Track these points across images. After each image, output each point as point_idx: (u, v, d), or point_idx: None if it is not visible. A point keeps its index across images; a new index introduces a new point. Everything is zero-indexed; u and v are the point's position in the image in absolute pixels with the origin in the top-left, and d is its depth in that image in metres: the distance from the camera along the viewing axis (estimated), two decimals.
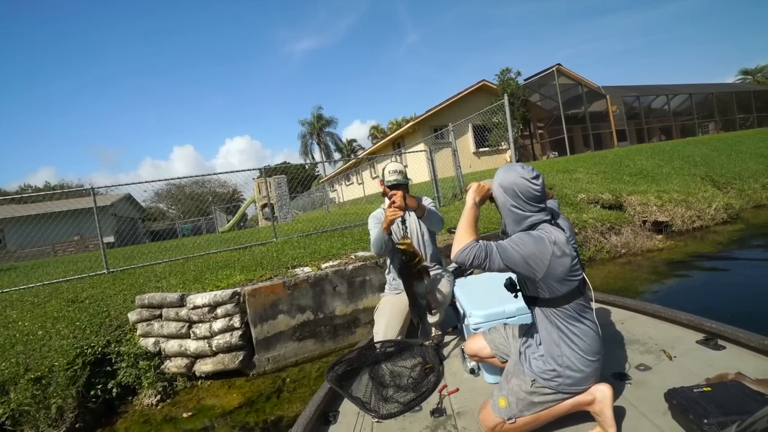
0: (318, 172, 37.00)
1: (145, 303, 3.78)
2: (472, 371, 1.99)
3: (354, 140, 42.33)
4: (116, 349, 3.51)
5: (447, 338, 2.46)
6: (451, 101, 16.11)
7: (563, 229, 1.40)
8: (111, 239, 18.96)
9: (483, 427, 1.50)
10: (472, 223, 1.44)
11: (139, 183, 6.05)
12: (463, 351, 2.00)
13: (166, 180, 6.15)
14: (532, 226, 1.40)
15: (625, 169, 9.15)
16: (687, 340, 1.88)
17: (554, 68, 18.40)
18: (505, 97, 6.06)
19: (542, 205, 1.43)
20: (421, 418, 1.71)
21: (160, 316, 3.77)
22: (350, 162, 22.28)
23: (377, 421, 1.74)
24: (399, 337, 2.29)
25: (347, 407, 1.91)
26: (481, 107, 8.63)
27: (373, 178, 18.05)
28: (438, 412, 1.72)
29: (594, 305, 1.46)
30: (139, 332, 3.70)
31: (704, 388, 1.34)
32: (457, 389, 1.88)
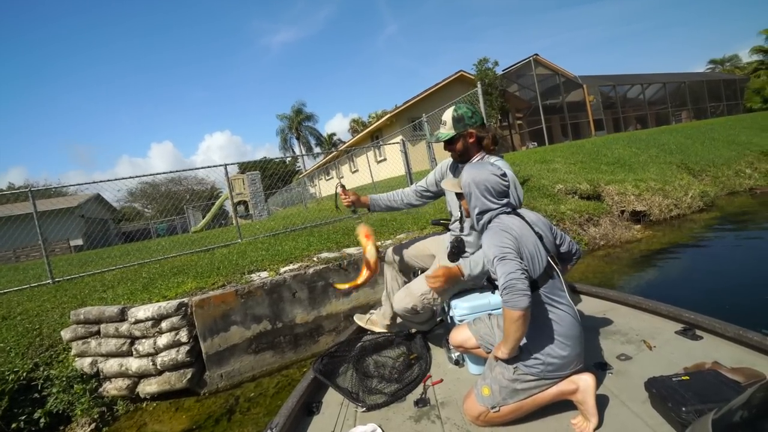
0: (299, 167, 36.32)
1: (80, 318, 3.38)
2: (457, 362, 1.98)
3: (334, 134, 41.72)
4: (45, 372, 3.11)
5: (432, 329, 2.40)
6: (428, 92, 15.85)
7: (521, 217, 1.53)
8: (79, 242, 18.06)
9: (467, 416, 1.51)
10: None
11: (85, 183, 5.54)
12: (447, 342, 1.96)
13: (123, 179, 5.64)
14: (492, 218, 1.53)
15: (603, 158, 9.06)
16: (666, 330, 1.93)
17: (531, 58, 18.30)
18: (478, 86, 5.80)
19: (507, 199, 1.58)
20: (404, 408, 1.71)
21: (99, 332, 3.38)
22: (329, 156, 21.76)
23: (364, 411, 1.74)
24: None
25: (330, 398, 1.90)
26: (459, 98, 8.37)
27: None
28: (422, 402, 1.72)
29: (566, 288, 1.48)
30: (73, 352, 3.31)
31: (682, 377, 1.38)
32: (442, 380, 1.88)
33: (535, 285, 1.40)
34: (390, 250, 2.38)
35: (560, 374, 1.40)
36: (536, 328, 1.42)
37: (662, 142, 10.85)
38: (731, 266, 4.47)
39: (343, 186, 2.29)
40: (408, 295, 2.01)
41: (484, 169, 1.58)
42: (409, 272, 2.37)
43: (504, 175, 1.57)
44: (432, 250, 2.26)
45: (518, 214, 1.54)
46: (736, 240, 5.48)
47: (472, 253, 1.97)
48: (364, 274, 2.17)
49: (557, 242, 1.62)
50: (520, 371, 1.41)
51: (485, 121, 2.03)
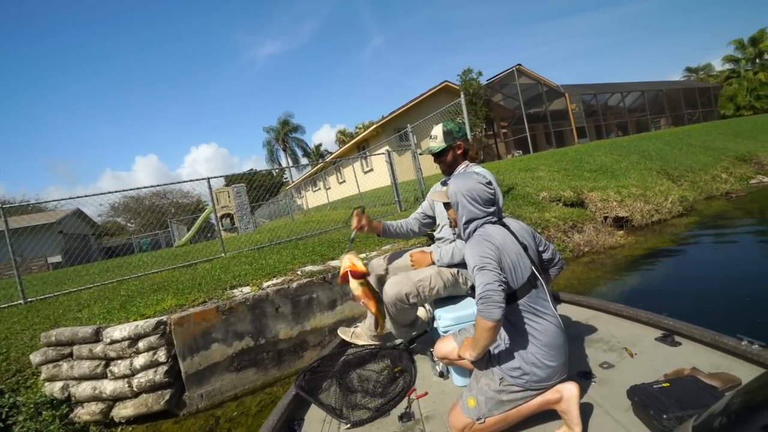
0: (286, 178, 36.11)
1: (52, 341, 3.23)
2: (442, 374, 1.95)
3: (320, 145, 41.70)
4: (11, 399, 2.95)
5: (416, 341, 2.37)
6: (414, 103, 15.99)
7: (506, 226, 1.53)
8: (58, 259, 17.53)
9: (452, 428, 1.48)
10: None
11: (63, 199, 5.39)
12: (432, 354, 1.95)
13: (102, 194, 5.48)
14: (477, 227, 1.54)
15: (586, 166, 9.20)
16: (647, 337, 1.95)
17: (515, 68, 18.67)
18: (462, 96, 5.85)
19: (495, 208, 1.59)
20: (389, 424, 1.68)
21: (71, 354, 3.24)
22: (316, 167, 21.68)
23: (348, 428, 1.70)
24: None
25: (313, 415, 1.85)
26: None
27: (341, 183, 17.68)
28: (406, 416, 1.69)
29: (549, 297, 1.48)
30: (43, 376, 3.15)
31: (663, 384, 1.39)
32: (426, 393, 1.85)
33: (517, 295, 1.42)
34: (375, 261, 2.36)
35: (545, 384, 1.40)
36: (521, 338, 1.42)
37: (642, 149, 11.10)
38: (710, 270, 4.54)
39: (362, 209, 2.30)
40: (405, 278, 2.01)
41: (470, 178, 1.62)
42: None
43: (489, 183, 1.61)
44: None
45: (503, 224, 1.55)
46: (714, 244, 5.59)
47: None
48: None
49: (541, 249, 1.63)
50: (506, 382, 1.40)
51: (468, 134, 2.11)
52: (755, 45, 27.27)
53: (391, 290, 1.99)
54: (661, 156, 10.45)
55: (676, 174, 9.15)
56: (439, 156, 2.10)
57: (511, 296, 1.41)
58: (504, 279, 1.36)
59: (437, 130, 2.07)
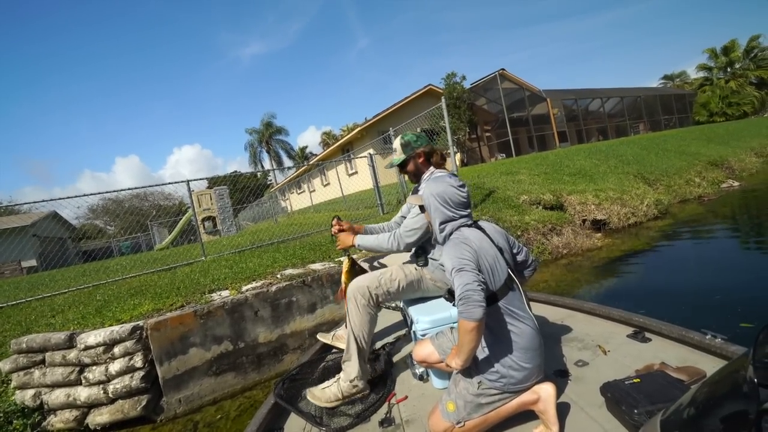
0: (270, 180, 35.76)
1: (23, 347, 3.16)
2: (421, 377, 1.95)
3: (306, 147, 41.49)
4: None
5: (394, 345, 2.39)
6: (398, 106, 16.07)
7: (482, 229, 1.56)
8: (33, 263, 16.97)
9: None
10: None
11: (37, 201, 5.24)
12: (411, 357, 1.96)
13: (78, 196, 5.35)
14: (453, 230, 1.57)
15: (565, 169, 9.41)
16: (619, 334, 2.00)
17: (498, 73, 18.96)
18: (443, 100, 5.93)
19: (468, 210, 1.63)
20: (369, 430, 1.67)
21: (43, 361, 3.17)
22: (301, 170, 21.57)
23: None
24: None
25: (292, 423, 1.84)
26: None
27: (325, 185, 17.63)
28: (387, 422, 1.68)
29: (525, 299, 1.50)
30: (14, 384, 3.08)
31: (634, 380, 1.44)
32: (406, 397, 1.85)
33: (495, 297, 1.43)
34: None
35: (522, 386, 1.42)
36: (499, 342, 1.44)
37: (620, 153, 11.40)
38: (682, 269, 4.72)
39: (338, 218, 2.38)
40: (369, 274, 2.05)
41: (443, 181, 1.66)
42: None
43: (462, 186, 1.64)
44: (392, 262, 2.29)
45: (479, 227, 1.58)
46: (686, 245, 5.79)
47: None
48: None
49: (515, 252, 1.66)
50: (484, 386, 1.42)
51: (426, 142, 2.14)
52: (727, 54, 28.36)
53: (353, 285, 1.98)
54: (638, 160, 10.76)
55: (652, 178, 9.43)
56: (401, 167, 2.14)
57: (491, 298, 1.41)
58: (483, 279, 1.37)
59: (396, 143, 2.13)
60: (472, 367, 1.47)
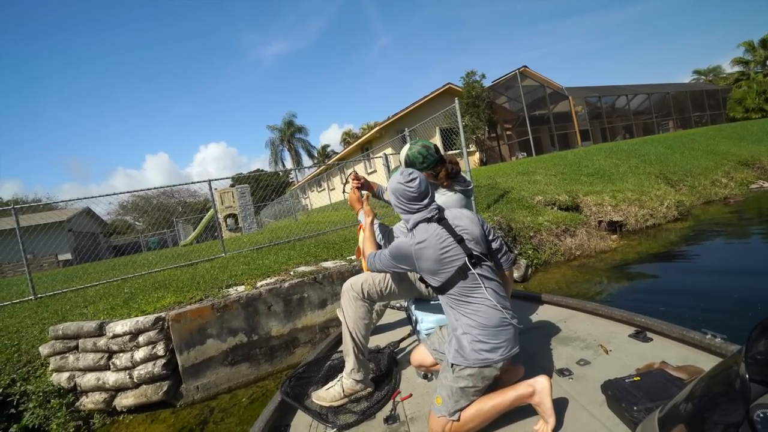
0: (292, 178, 36.40)
1: (59, 334, 3.45)
2: (425, 376, 1.98)
3: (327, 145, 41.98)
4: (22, 388, 3.17)
5: (399, 344, 2.45)
6: (417, 105, 16.10)
7: (441, 222, 1.60)
8: (68, 256, 17.97)
9: None
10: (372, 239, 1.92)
11: (72, 200, 5.64)
12: None
13: (104, 195, 5.70)
14: (417, 222, 1.61)
15: (584, 170, 9.27)
16: (620, 334, 2.03)
17: (518, 70, 18.69)
18: (456, 102, 5.99)
19: (423, 203, 1.63)
20: (374, 426, 1.70)
21: (77, 347, 3.45)
22: (321, 168, 21.91)
23: None
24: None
25: (299, 420, 1.87)
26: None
27: (344, 184, 17.81)
28: (391, 419, 1.71)
29: (488, 283, 1.54)
30: (51, 367, 3.38)
31: (634, 378, 1.47)
32: (411, 394, 1.87)
33: (445, 287, 1.52)
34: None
35: (491, 360, 1.44)
36: (460, 324, 1.51)
37: (643, 153, 11.12)
38: (697, 271, 4.67)
39: (355, 172, 2.40)
40: (361, 274, 2.06)
41: (394, 178, 1.71)
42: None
43: (410, 181, 1.63)
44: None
45: (440, 219, 1.61)
46: (706, 247, 5.66)
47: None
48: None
49: (489, 238, 1.70)
50: (458, 367, 1.46)
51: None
52: (765, 47, 26.96)
53: (346, 282, 2.02)
54: (661, 160, 10.48)
55: (675, 178, 9.18)
56: None
57: (441, 288, 1.53)
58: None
59: (402, 155, 2.16)
60: (447, 356, 1.53)
